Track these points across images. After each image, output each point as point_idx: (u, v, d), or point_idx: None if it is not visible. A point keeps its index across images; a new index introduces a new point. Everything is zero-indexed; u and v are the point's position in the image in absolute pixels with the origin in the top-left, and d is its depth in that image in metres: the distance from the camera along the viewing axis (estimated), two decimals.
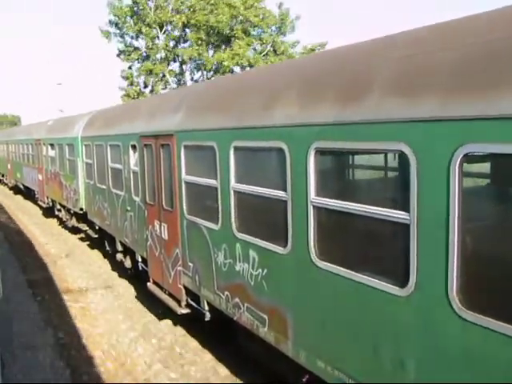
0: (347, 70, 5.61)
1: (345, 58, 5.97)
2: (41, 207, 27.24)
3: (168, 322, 11.91)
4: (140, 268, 13.18)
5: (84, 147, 17.93)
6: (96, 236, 18.09)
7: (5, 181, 43.27)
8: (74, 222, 20.81)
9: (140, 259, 12.88)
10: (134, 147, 12.14)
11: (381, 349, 5.11)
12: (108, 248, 16.83)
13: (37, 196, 28.33)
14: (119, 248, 14.79)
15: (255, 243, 7.16)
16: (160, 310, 12.08)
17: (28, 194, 32.06)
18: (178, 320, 11.61)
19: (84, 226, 19.94)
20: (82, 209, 19.02)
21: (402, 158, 4.69)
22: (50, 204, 24.94)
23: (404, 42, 5.16)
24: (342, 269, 5.54)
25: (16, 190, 37.54)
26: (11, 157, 37.10)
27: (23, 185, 33.14)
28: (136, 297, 13.93)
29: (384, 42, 5.61)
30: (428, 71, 4.49)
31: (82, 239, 20.92)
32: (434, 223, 4.39)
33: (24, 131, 33.40)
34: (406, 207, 4.63)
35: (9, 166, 38.99)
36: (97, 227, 17.50)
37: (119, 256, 15.10)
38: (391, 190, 5.65)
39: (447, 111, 4.16)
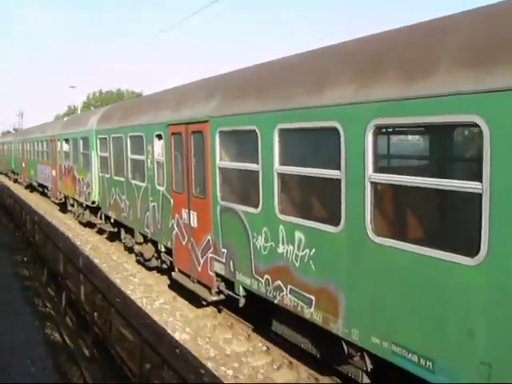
0: (410, 47, 5.69)
1: (404, 38, 6.04)
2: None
3: None
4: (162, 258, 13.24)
5: (99, 141, 17.97)
6: (114, 230, 18.07)
7: (19, 180, 43.46)
8: (87, 216, 20.78)
9: (163, 249, 12.89)
10: (159, 137, 12.15)
11: (446, 320, 5.16)
12: (124, 241, 16.84)
13: (49, 192, 28.45)
14: (138, 240, 14.78)
15: (302, 224, 7.21)
16: None
17: (44, 193, 32.07)
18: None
19: (96, 220, 19.95)
20: (94, 202, 19.04)
21: (474, 130, 4.76)
22: (63, 199, 24.99)
23: (470, 19, 5.24)
24: (402, 243, 5.61)
25: (31, 188, 37.85)
26: (26, 155, 37.40)
27: (37, 182, 33.27)
28: None
29: (443, 20, 5.70)
30: (505, 43, 4.56)
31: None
32: (507, 192, 4.47)
33: (39, 129, 33.63)
34: (478, 177, 4.70)
35: (23, 165, 39.19)
36: (112, 220, 17.50)
37: (137, 248, 15.10)
38: (460, 162, 5.71)
39: None
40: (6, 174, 54.58)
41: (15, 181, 46.40)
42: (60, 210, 27.19)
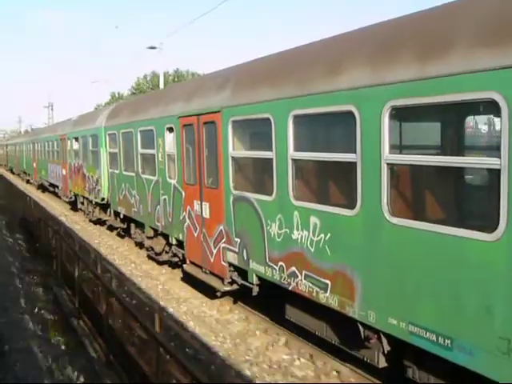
0: (426, 28, 5.75)
1: (420, 19, 6.10)
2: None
3: None
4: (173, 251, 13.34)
5: (108, 137, 18.10)
6: (123, 226, 18.17)
7: (31, 180, 43.81)
8: (96, 213, 20.91)
9: (174, 242, 12.97)
10: (170, 130, 12.24)
11: (465, 297, 5.21)
12: (134, 236, 16.93)
13: (59, 191, 28.66)
14: (149, 234, 14.86)
15: (317, 209, 7.26)
16: None
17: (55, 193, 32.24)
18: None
19: (105, 216, 20.08)
20: (103, 199, 19.15)
21: (492, 106, 4.80)
22: (73, 198, 25.16)
23: None
24: (419, 222, 5.66)
25: (42, 188, 38.15)
26: (37, 156, 37.71)
27: (48, 182, 33.53)
28: None
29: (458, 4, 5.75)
30: None
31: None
32: None
33: (49, 129, 33.95)
34: (496, 154, 4.75)
35: (34, 165, 39.50)
36: (121, 216, 17.61)
37: (148, 243, 15.17)
38: (478, 139, 5.76)
39: None
40: (18, 175, 55.04)
41: (27, 181, 46.70)
42: (71, 208, 27.31)
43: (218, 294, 11.04)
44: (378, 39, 6.43)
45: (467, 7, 5.45)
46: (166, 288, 13.46)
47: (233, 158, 9.45)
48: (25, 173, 48.45)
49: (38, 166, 37.24)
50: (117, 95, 73.42)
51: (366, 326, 6.70)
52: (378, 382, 7.90)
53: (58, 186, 29.67)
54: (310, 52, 7.94)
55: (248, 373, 8.39)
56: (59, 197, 29.68)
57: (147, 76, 69.14)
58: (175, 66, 69.67)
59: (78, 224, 23.39)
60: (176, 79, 61.95)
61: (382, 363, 7.06)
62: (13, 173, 60.59)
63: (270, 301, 9.72)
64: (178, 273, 14.34)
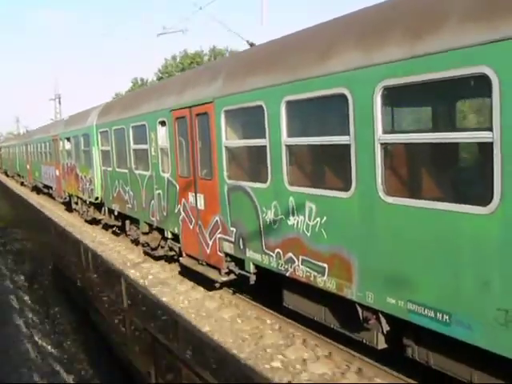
0: (414, 8, 5.79)
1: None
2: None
3: None
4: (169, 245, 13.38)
5: (100, 135, 18.09)
6: (118, 223, 18.16)
7: (25, 182, 43.82)
8: (91, 213, 20.88)
9: (170, 236, 13.00)
10: (162, 123, 12.25)
11: (462, 272, 5.27)
12: (129, 233, 16.93)
13: (53, 192, 28.65)
14: (144, 230, 14.86)
15: (312, 193, 7.31)
16: None
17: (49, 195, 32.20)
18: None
19: (100, 216, 20.06)
20: (97, 198, 19.13)
21: (483, 81, 4.86)
22: (67, 198, 25.14)
23: None
24: (414, 200, 5.72)
25: (37, 190, 38.14)
26: (30, 157, 37.67)
27: (42, 183, 33.55)
28: None
29: None
30: None
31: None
32: None
33: (42, 130, 33.85)
34: (488, 127, 4.81)
35: (28, 167, 39.42)
36: (115, 213, 17.61)
37: (143, 238, 15.17)
38: (469, 114, 5.82)
39: None
40: (12, 177, 55.16)
41: (22, 184, 46.71)
42: (66, 209, 27.24)
43: (217, 285, 11.05)
44: (369, 21, 6.48)
45: None
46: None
47: (226, 147, 9.48)
48: (18, 175, 48.46)
49: (32, 168, 37.18)
50: (139, 81, 66.52)
51: (365, 308, 6.76)
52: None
53: (51, 188, 29.62)
54: (302, 38, 7.98)
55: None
56: (54, 198, 29.64)
57: (176, 57, 61.67)
58: (211, 44, 61.08)
59: (74, 226, 23.33)
60: (213, 58, 54.75)
61: (382, 344, 7.12)
62: (7, 175, 60.81)
63: (267, 290, 9.77)
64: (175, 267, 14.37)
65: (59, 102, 65.84)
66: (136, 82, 66.29)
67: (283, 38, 8.72)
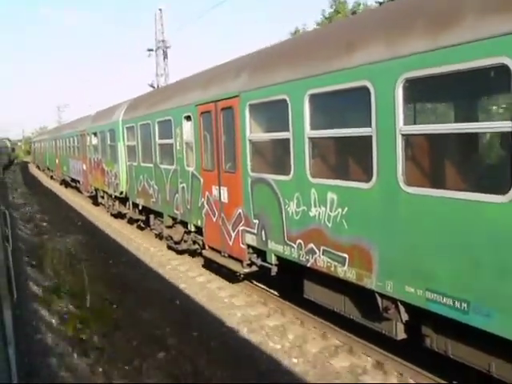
0: (434, 2, 5.91)
1: None
2: None
3: None
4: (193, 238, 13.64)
5: (126, 130, 18.44)
6: (142, 217, 18.50)
7: (54, 176, 45.01)
8: (116, 207, 21.29)
9: (193, 229, 13.23)
10: (187, 118, 12.48)
11: (481, 260, 5.35)
12: (153, 227, 17.24)
13: (81, 186, 29.31)
14: (167, 223, 15.13)
15: (333, 185, 7.44)
16: None
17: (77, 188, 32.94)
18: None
19: (125, 209, 20.44)
20: (122, 192, 19.51)
21: (503, 71, 4.94)
22: (94, 193, 25.67)
23: None
24: (434, 190, 5.83)
25: (65, 184, 39.29)
26: (59, 152, 38.69)
27: (69, 177, 34.41)
28: None
29: None
30: None
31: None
32: None
33: (70, 125, 34.66)
34: (508, 116, 4.90)
35: (57, 161, 40.45)
36: (140, 207, 17.95)
37: (167, 232, 15.45)
38: (490, 104, 5.90)
39: None
40: (43, 171, 57.20)
41: (51, 177, 47.95)
42: (93, 203, 27.83)
43: (240, 277, 11.25)
44: (391, 15, 6.60)
45: None
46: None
47: (250, 141, 9.66)
48: (48, 169, 49.80)
49: (60, 162, 38.07)
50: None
51: (384, 297, 6.87)
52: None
53: (79, 181, 30.25)
54: (325, 33, 8.14)
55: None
56: (81, 192, 30.27)
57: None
58: None
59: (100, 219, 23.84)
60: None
61: (401, 334, 7.22)
62: (39, 169, 63.24)
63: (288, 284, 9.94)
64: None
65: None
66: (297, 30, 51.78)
67: (306, 32, 8.88)
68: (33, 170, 68.99)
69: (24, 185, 42.71)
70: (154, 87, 49.46)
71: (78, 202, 30.30)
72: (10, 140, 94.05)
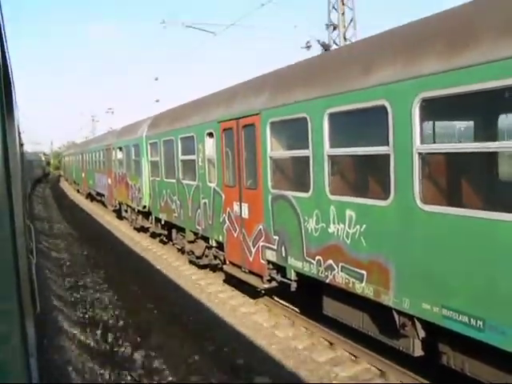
0: (451, 26, 6.04)
1: (443, 17, 6.38)
2: None
3: None
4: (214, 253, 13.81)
5: (149, 146, 18.80)
6: (165, 232, 18.76)
7: (80, 190, 45.93)
8: (139, 221, 21.63)
9: (215, 244, 13.41)
10: (210, 135, 12.73)
11: (497, 278, 5.40)
12: (175, 241, 17.47)
13: (105, 200, 29.87)
14: (189, 238, 15.34)
15: (352, 202, 7.56)
16: None
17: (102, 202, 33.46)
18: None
19: (147, 224, 20.76)
20: (145, 206, 19.84)
21: None
22: (118, 206, 26.08)
23: None
24: (450, 208, 5.90)
25: (91, 197, 40.00)
26: (85, 166, 39.56)
27: (95, 191, 35.09)
28: None
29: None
30: None
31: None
32: None
33: (96, 140, 35.37)
34: None
35: (83, 175, 41.25)
36: (162, 222, 18.22)
37: (188, 247, 15.65)
38: (505, 125, 5.97)
39: None
40: (70, 184, 59.18)
41: (77, 191, 48.89)
42: (117, 217, 28.27)
43: (261, 292, 11.36)
44: (408, 37, 6.74)
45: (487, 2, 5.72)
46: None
47: (271, 158, 9.84)
48: (75, 182, 50.80)
49: (87, 176, 38.83)
50: None
51: (401, 314, 6.93)
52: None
53: (104, 195, 30.76)
54: (344, 53, 8.30)
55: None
56: (105, 205, 30.77)
57: None
58: None
59: (124, 233, 24.16)
60: None
61: (418, 351, 7.25)
62: (67, 182, 65.38)
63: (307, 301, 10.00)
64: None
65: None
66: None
67: (325, 53, 9.06)
68: (63, 183, 70.52)
69: (52, 198, 43.56)
70: None
71: (102, 216, 30.77)
72: (45, 154, 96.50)
